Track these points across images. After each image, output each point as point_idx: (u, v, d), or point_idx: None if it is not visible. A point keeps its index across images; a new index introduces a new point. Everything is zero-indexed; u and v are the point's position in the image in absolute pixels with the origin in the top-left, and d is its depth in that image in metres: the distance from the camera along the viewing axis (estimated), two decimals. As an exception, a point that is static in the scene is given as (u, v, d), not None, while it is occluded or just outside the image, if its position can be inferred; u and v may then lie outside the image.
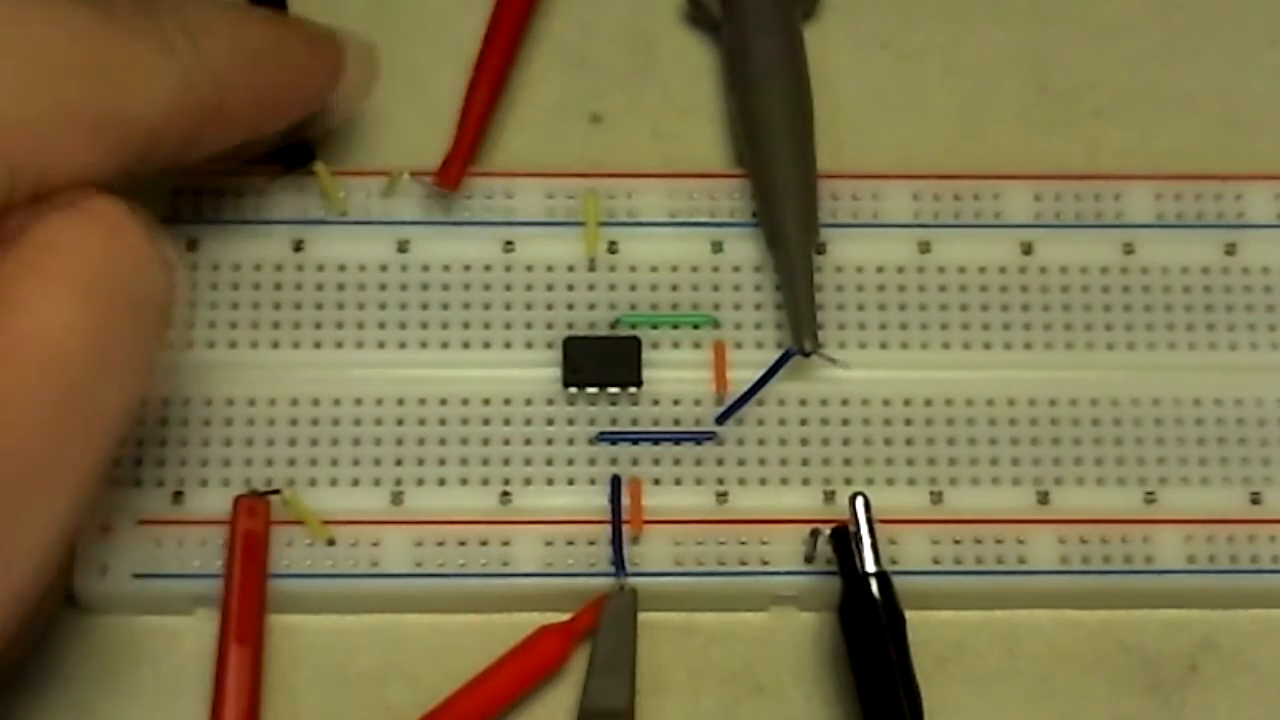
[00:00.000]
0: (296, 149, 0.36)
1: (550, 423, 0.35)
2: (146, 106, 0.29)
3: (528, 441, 0.35)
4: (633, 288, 0.36)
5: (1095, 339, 0.36)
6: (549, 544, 0.34)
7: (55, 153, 0.28)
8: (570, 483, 0.35)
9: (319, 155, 0.36)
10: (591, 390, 0.35)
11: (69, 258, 0.28)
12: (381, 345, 0.36)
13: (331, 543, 0.34)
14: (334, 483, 0.35)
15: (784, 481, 0.35)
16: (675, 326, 0.36)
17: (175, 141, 0.30)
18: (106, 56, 0.29)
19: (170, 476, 0.34)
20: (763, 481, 0.35)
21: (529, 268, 0.36)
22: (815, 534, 0.34)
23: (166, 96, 0.30)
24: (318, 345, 0.35)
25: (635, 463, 0.35)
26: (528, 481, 0.35)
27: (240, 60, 0.31)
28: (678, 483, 0.35)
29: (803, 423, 0.35)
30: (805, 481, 0.35)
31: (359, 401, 0.35)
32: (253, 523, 0.34)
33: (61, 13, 0.29)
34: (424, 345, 0.36)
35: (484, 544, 0.34)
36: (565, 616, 0.34)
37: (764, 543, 0.34)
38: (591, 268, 0.36)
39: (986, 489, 0.35)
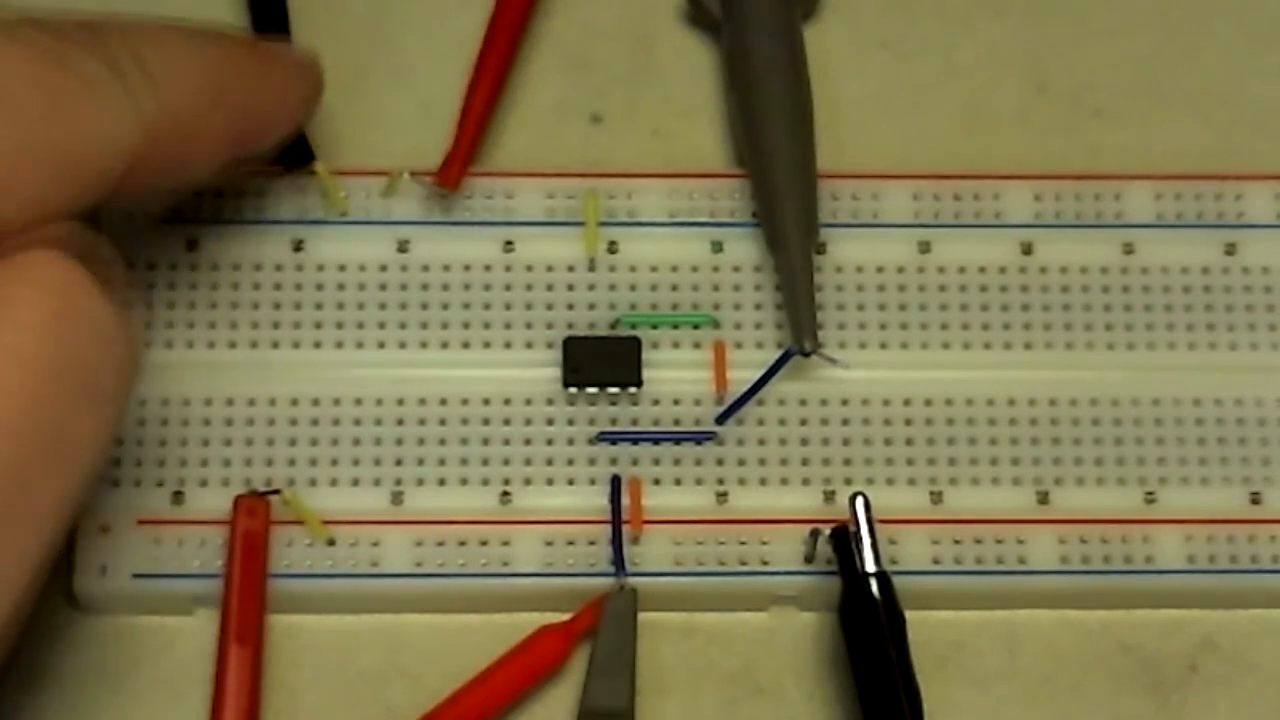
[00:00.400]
0: (296, 149, 0.36)
1: (550, 423, 0.35)
2: (107, 144, 0.29)
3: (528, 441, 0.35)
4: (633, 288, 0.36)
5: (1095, 339, 0.36)
6: (549, 544, 0.34)
7: (11, 193, 0.28)
8: (570, 483, 0.35)
9: (319, 155, 0.36)
10: (591, 390, 0.35)
11: (9, 327, 0.27)
12: (381, 345, 0.36)
13: (331, 543, 0.34)
14: (334, 483, 0.35)
15: (784, 481, 0.35)
16: (675, 326, 0.36)
17: (147, 175, 0.30)
18: (61, 96, 0.28)
19: (170, 476, 0.34)
20: (763, 481, 0.35)
21: (529, 268, 0.36)
22: (815, 534, 0.34)
23: (128, 133, 0.29)
24: (318, 345, 0.35)
25: (635, 463, 0.35)
26: (528, 481, 0.35)
27: (208, 90, 0.31)
28: (678, 483, 0.35)
29: (803, 423, 0.35)
30: (805, 481, 0.35)
31: (359, 401, 0.35)
32: (253, 523, 0.34)
33: (11, 53, 0.28)
34: (424, 345, 0.36)
35: (484, 544, 0.34)
36: (565, 616, 0.34)
37: (764, 543, 0.35)
38: (591, 268, 0.36)
39: (986, 489, 0.35)
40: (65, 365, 0.27)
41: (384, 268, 0.36)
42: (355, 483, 0.35)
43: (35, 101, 0.28)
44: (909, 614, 0.33)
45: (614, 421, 0.35)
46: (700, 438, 0.35)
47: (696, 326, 0.36)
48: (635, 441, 0.35)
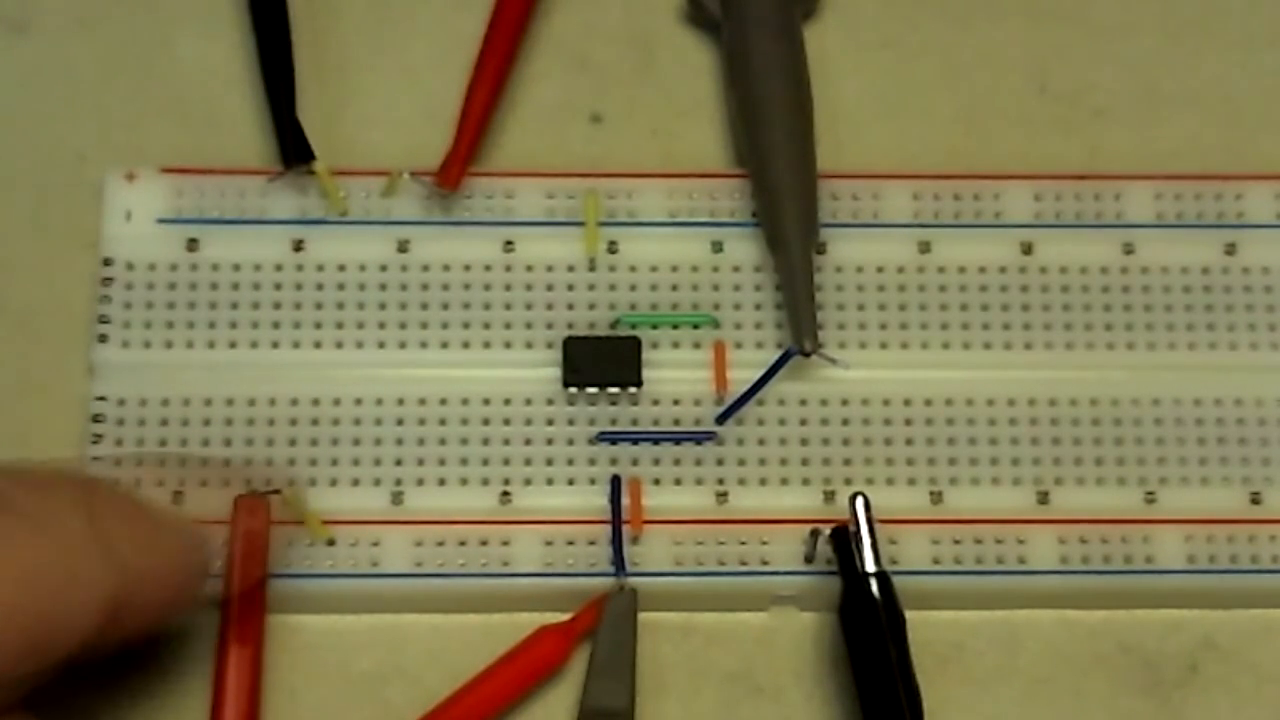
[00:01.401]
0: (296, 148, 0.36)
1: (550, 423, 0.35)
2: (80, 619, 0.29)
3: (528, 441, 0.35)
4: (633, 288, 0.36)
5: (1095, 339, 0.36)
6: (549, 544, 0.34)
7: None
8: (570, 483, 0.35)
9: (319, 155, 0.36)
10: (591, 390, 0.35)
11: None
12: (381, 345, 0.36)
13: (331, 543, 0.34)
14: (334, 483, 0.35)
15: (784, 481, 0.35)
16: (675, 326, 0.36)
17: (98, 642, 0.29)
18: (42, 575, 0.28)
19: (171, 476, 0.34)
20: (763, 481, 0.35)
21: (529, 268, 0.36)
22: (815, 534, 0.34)
23: (100, 607, 0.29)
24: (318, 345, 0.35)
25: (635, 463, 0.35)
26: (528, 481, 0.35)
27: (157, 563, 0.30)
28: (678, 483, 0.35)
29: (803, 423, 0.35)
30: (805, 481, 0.35)
31: (359, 401, 0.35)
32: (253, 523, 0.34)
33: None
34: (424, 345, 0.36)
35: (484, 544, 0.34)
36: (565, 616, 0.34)
37: (764, 543, 0.35)
38: (591, 268, 0.36)
39: (986, 489, 0.35)
40: None
41: (384, 268, 0.36)
42: (355, 483, 0.35)
43: (29, 576, 0.28)
44: (909, 614, 0.33)
45: (614, 421, 0.35)
46: (700, 438, 0.35)
47: (696, 326, 0.36)
48: (635, 441, 0.35)
